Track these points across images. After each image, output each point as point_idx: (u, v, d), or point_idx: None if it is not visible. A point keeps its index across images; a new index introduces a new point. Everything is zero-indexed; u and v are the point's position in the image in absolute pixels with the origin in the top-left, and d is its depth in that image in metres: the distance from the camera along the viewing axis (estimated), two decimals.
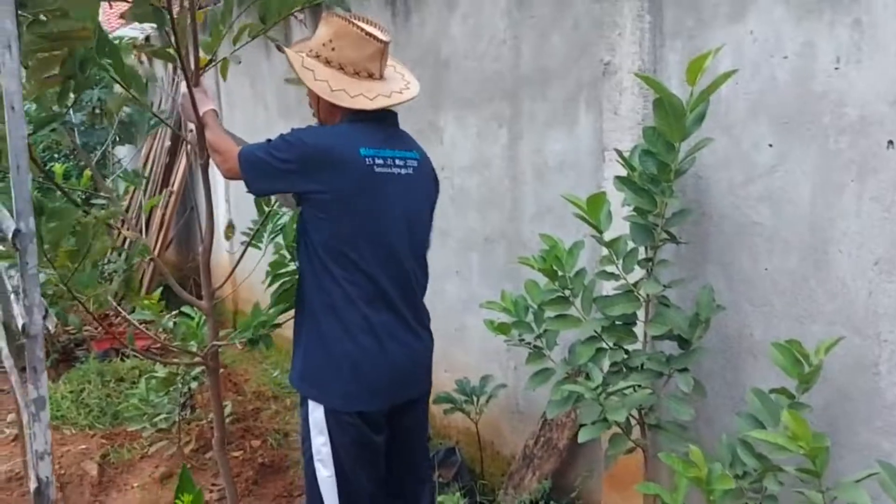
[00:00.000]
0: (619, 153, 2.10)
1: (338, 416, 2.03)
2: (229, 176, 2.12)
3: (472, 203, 3.24)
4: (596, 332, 2.11)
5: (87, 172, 3.45)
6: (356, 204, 1.97)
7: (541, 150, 2.86)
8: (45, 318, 1.87)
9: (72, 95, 1.98)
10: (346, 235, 1.99)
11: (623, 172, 2.13)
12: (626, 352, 2.11)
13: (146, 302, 3.19)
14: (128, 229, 2.67)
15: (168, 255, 7.04)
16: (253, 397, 4.69)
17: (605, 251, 2.12)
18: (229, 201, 6.22)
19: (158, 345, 5.33)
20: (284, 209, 2.58)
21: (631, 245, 2.09)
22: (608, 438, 2.11)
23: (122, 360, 4.87)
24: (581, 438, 1.98)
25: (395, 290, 2.05)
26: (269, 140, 2.05)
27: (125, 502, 3.49)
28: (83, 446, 3.89)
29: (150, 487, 3.60)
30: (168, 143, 7.13)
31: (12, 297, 2.18)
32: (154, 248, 6.52)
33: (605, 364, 2.11)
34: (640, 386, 1.96)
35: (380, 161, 1.99)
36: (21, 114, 1.73)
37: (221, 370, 3.92)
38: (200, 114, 2.22)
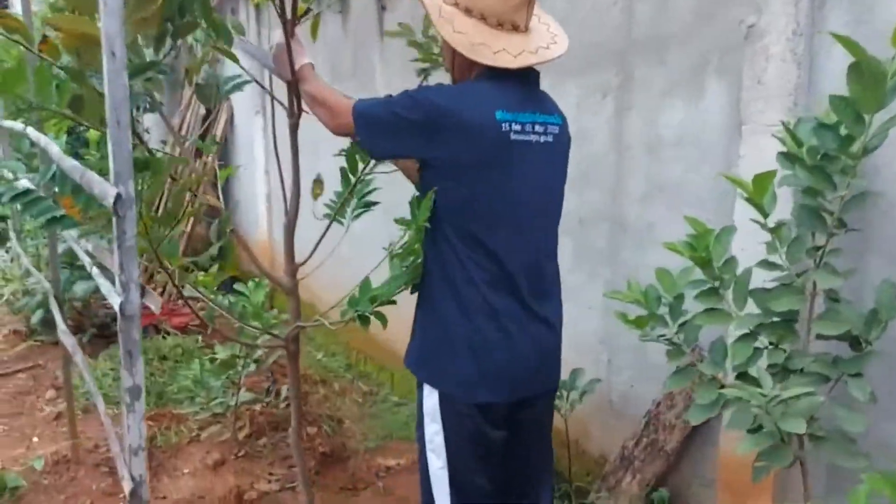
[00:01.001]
0: (786, 126, 1.83)
1: (454, 404, 1.83)
2: (339, 132, 1.89)
3: (567, 181, 2.96)
4: (750, 329, 1.86)
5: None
6: (487, 175, 1.73)
7: (654, 122, 2.59)
8: (143, 296, 1.63)
9: (169, 42, 1.73)
10: (473, 210, 1.76)
11: (772, 148, 1.88)
12: (783, 352, 1.86)
13: (200, 278, 2.98)
14: (205, 195, 2.42)
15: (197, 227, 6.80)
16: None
17: (764, 237, 1.86)
18: (269, 173, 5.98)
19: (196, 323, 5.13)
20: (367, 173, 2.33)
21: (796, 232, 1.83)
22: (761, 448, 1.86)
23: (163, 337, 4.66)
24: (742, 449, 1.74)
25: (522, 275, 1.83)
26: (389, 96, 1.80)
27: (177, 489, 3.27)
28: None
29: (203, 474, 3.38)
30: (203, 111, 6.87)
31: (94, 270, 1.94)
32: (186, 221, 6.30)
33: (761, 366, 1.86)
34: (809, 392, 1.71)
35: (517, 127, 1.75)
36: (123, 60, 1.48)
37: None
38: (297, 68, 1.98)
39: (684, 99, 2.47)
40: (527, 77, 1.81)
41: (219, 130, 6.86)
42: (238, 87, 2.41)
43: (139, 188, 1.65)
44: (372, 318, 2.03)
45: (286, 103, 2.18)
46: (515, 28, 1.74)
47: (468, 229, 1.77)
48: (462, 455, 1.85)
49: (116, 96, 1.49)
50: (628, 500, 2.65)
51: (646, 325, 1.98)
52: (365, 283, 2.01)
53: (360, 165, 2.34)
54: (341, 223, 2.47)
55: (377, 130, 1.78)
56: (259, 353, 3.34)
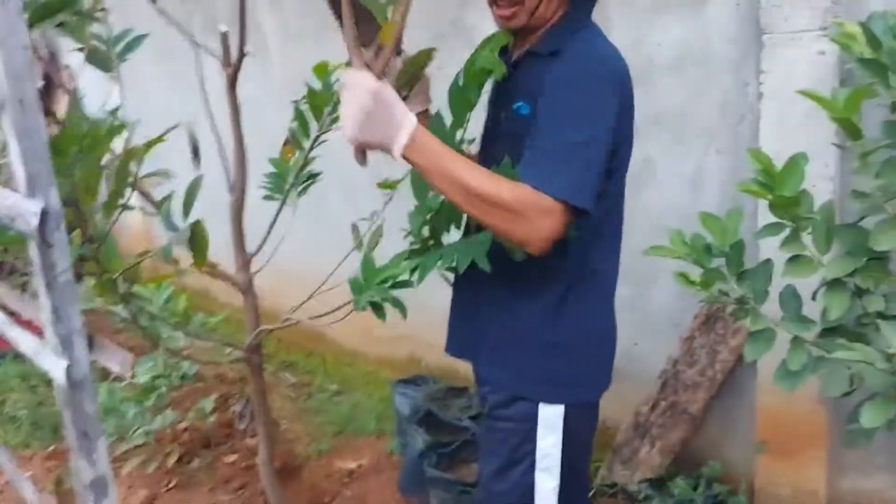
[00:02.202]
0: (863, 24, 1.51)
1: (584, 408, 1.54)
2: (539, 248, 1.27)
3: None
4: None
5: None
6: (630, 127, 1.50)
7: (642, 43, 2.23)
8: (92, 347, 1.13)
9: None
10: (616, 172, 1.47)
11: (804, 59, 1.56)
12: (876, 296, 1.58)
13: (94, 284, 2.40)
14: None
15: None
16: (216, 382, 3.90)
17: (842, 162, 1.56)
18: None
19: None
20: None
21: (888, 154, 1.54)
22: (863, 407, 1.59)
23: None
24: (868, 422, 1.45)
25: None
26: (556, 123, 1.29)
27: None
28: (26, 472, 3.03)
29: None
30: (39, 82, 5.92)
31: (2, 319, 1.38)
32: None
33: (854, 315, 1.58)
34: None
35: None
36: (18, 9, 0.96)
37: None
38: (406, 139, 1.21)
39: (680, 12, 2.13)
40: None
41: (61, 108, 5.94)
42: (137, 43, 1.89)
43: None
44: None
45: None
46: None
47: (614, 198, 1.50)
48: (577, 463, 1.53)
49: (14, 62, 0.96)
50: (651, 471, 2.38)
51: (712, 284, 1.64)
52: (366, 261, 1.54)
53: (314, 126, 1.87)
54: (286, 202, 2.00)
55: (595, 182, 1.31)
56: (185, 367, 2.79)
